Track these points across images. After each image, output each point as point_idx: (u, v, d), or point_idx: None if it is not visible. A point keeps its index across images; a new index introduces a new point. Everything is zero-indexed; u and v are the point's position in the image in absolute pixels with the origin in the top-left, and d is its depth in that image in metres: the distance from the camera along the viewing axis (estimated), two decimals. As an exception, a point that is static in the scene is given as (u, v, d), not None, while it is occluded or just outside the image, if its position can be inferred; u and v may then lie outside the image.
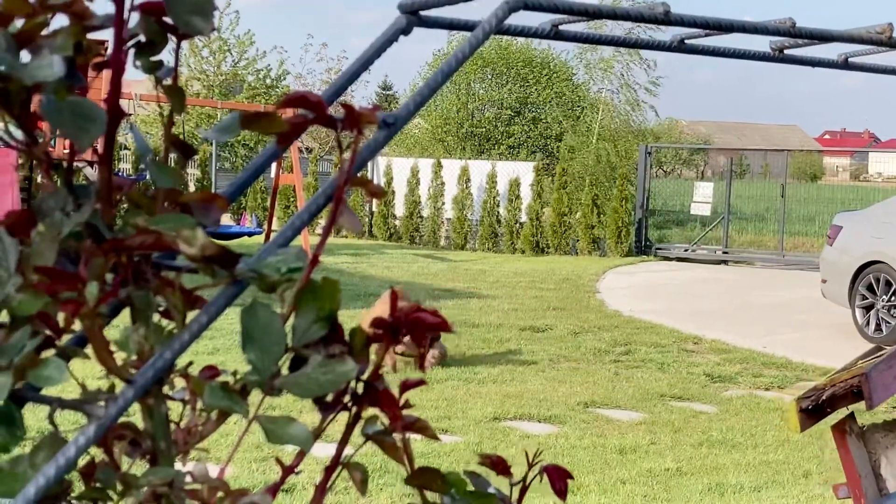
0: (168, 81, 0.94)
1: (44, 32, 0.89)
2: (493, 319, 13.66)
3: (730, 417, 9.04)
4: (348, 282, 16.77)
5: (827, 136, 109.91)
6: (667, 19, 1.17)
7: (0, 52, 0.83)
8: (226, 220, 22.43)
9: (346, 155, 0.96)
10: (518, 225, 24.51)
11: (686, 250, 23.78)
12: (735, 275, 20.96)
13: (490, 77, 35.76)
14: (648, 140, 28.54)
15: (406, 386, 0.98)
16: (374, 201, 26.16)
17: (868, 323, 13.38)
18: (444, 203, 25.81)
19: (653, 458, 7.70)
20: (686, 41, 1.39)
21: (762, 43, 1.50)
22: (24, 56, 0.88)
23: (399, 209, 26.54)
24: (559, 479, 1.15)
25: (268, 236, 21.69)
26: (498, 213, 24.83)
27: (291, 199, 25.85)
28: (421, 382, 0.98)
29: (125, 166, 25.98)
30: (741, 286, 18.81)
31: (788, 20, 1.27)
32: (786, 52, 1.45)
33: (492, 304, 15.26)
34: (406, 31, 1.15)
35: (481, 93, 35.78)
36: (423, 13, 1.16)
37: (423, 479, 1.01)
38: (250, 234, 20.55)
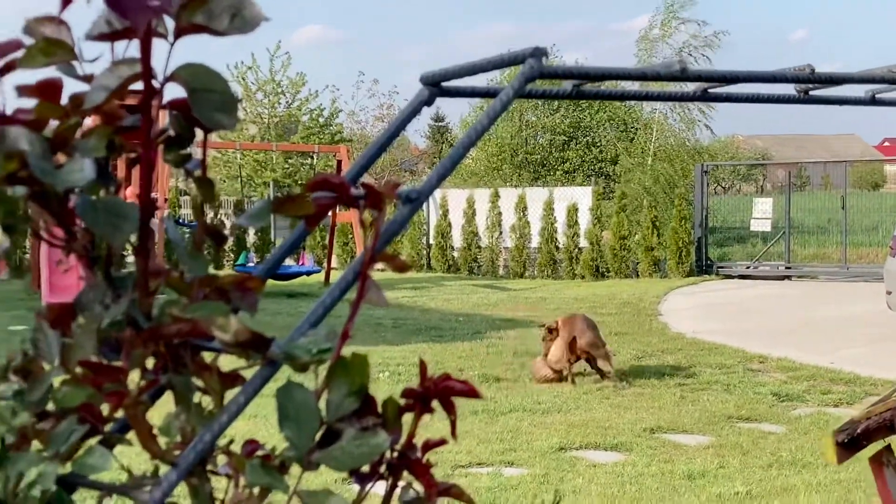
0: (198, 173, 0.98)
1: (78, 132, 0.94)
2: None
3: (799, 437, 8.92)
4: (408, 316, 16.83)
5: (887, 144, 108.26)
6: (684, 76, 1.19)
7: (35, 160, 0.87)
8: (286, 260, 22.62)
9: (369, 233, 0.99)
10: (577, 250, 24.44)
11: (748, 267, 23.56)
12: (799, 290, 20.71)
13: (542, 104, 35.80)
14: (704, 158, 28.38)
15: (427, 447, 1.00)
16: (431, 233, 26.27)
17: (937, 334, 13.17)
18: (501, 232, 25.84)
19: (722, 482, 7.62)
20: (709, 90, 1.41)
21: (787, 86, 1.52)
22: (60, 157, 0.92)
23: (457, 240, 26.59)
24: None
25: (328, 274, 21.88)
26: (556, 239, 24.78)
27: (349, 237, 26.01)
28: (442, 442, 1.00)
29: (185, 212, 26.37)
30: (805, 301, 18.59)
31: (807, 67, 1.29)
32: (811, 93, 1.46)
33: (553, 331, 15.20)
34: (429, 102, 1.19)
35: (534, 120, 35.84)
36: (444, 84, 1.20)
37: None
38: (309, 273, 20.77)
